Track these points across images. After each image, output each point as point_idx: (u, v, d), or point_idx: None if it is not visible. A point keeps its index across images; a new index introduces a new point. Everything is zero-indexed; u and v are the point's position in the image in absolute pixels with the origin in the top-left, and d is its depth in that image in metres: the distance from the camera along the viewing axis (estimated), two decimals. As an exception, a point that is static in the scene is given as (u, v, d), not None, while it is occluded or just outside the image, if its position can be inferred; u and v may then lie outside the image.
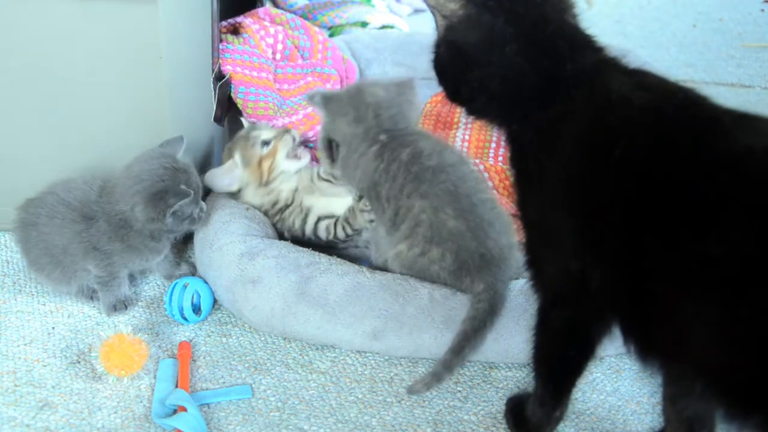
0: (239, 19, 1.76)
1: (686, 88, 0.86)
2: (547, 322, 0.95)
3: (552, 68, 0.89)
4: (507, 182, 1.51)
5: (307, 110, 1.67)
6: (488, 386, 1.17)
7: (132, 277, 1.34)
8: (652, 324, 0.80)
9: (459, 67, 0.95)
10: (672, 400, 0.99)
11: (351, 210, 1.32)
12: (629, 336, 0.86)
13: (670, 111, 0.82)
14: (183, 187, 1.21)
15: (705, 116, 0.81)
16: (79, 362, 1.19)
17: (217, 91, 1.50)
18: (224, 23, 1.71)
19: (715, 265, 0.72)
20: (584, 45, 0.93)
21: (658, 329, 0.80)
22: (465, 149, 1.62)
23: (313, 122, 1.65)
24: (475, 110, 0.99)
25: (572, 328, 0.92)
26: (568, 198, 0.86)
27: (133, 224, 1.22)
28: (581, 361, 0.95)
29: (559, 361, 0.96)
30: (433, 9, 0.95)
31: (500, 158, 1.58)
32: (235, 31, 1.72)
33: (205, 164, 1.48)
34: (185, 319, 1.26)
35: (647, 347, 0.84)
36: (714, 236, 0.73)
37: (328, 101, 1.25)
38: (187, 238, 1.42)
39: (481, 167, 1.53)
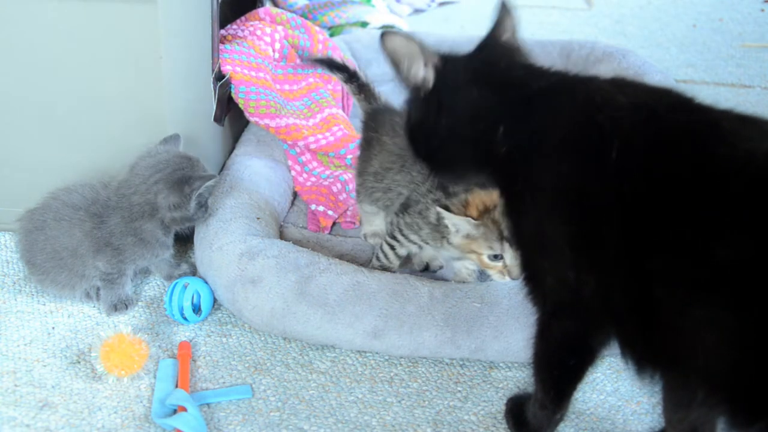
0: (234, 29, 1.76)
1: (673, 90, 0.86)
2: (547, 332, 0.94)
3: (517, 92, 0.91)
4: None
5: (324, 114, 1.68)
6: (488, 386, 1.17)
7: (134, 277, 1.33)
8: (652, 331, 0.79)
9: (436, 123, 0.96)
10: (672, 407, 0.98)
11: None
12: (626, 344, 0.85)
13: (663, 111, 0.81)
14: (215, 174, 1.26)
15: (702, 118, 0.81)
16: (79, 362, 1.19)
17: (217, 91, 1.50)
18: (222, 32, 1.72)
19: (722, 269, 0.72)
20: (542, 70, 0.94)
21: (658, 336, 0.79)
22: None
23: (329, 125, 1.66)
24: (471, 164, 0.99)
25: (572, 337, 0.92)
26: (561, 205, 0.86)
27: (154, 214, 1.24)
28: (582, 368, 0.95)
29: (560, 368, 0.96)
30: (415, 86, 0.96)
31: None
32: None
33: (204, 164, 1.48)
34: (185, 319, 1.26)
35: (645, 355, 0.83)
36: (720, 240, 0.72)
37: None
38: (187, 238, 1.42)
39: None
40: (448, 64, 0.95)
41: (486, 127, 0.92)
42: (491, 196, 1.13)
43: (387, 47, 0.94)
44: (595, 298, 0.84)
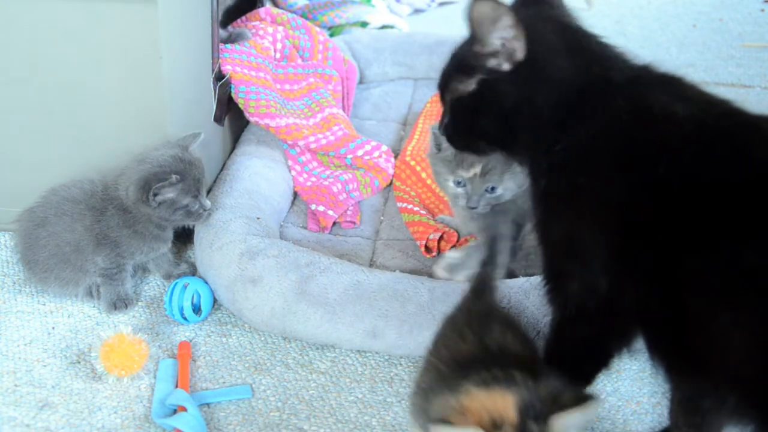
0: (235, 30, 1.76)
1: (723, 100, 0.85)
2: (565, 336, 0.93)
3: (595, 79, 0.88)
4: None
5: (324, 114, 1.68)
6: (488, 386, 1.16)
7: (134, 274, 1.33)
8: (684, 337, 0.79)
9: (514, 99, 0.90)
10: (695, 413, 0.96)
11: None
12: (657, 350, 0.84)
13: (711, 122, 0.81)
14: (174, 176, 1.21)
15: (741, 122, 0.80)
16: (79, 362, 1.19)
17: (217, 91, 1.50)
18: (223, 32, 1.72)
19: (754, 272, 0.71)
20: (622, 58, 0.91)
21: (690, 342, 0.78)
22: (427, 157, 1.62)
23: (329, 125, 1.66)
24: (506, 137, 0.95)
25: (592, 343, 0.91)
26: (604, 214, 0.84)
27: (127, 207, 1.23)
28: (595, 373, 0.95)
29: (573, 372, 0.95)
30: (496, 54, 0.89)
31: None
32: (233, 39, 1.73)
33: (204, 164, 1.48)
34: (185, 319, 1.26)
35: (676, 361, 0.83)
36: (751, 243, 0.72)
37: None
38: (187, 238, 1.42)
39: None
40: (535, 33, 0.87)
41: (557, 113, 0.88)
42: (496, 401, 0.75)
43: (473, 13, 0.86)
44: (629, 306, 0.84)
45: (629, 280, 0.83)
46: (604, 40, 0.93)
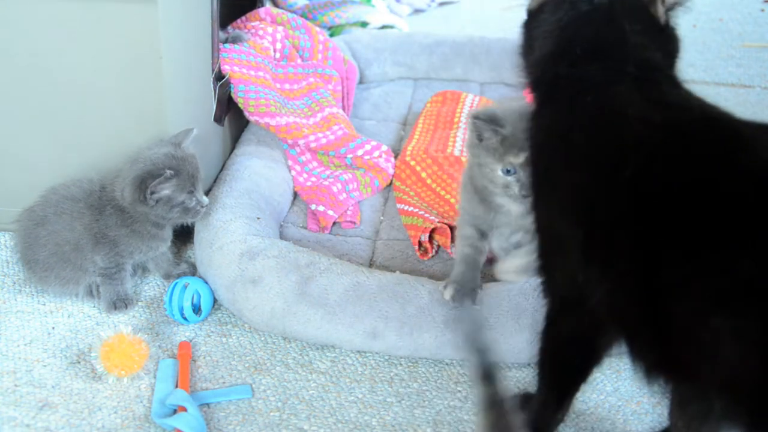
0: (233, 32, 1.77)
1: (707, 103, 0.84)
2: (554, 328, 0.93)
3: (570, 70, 0.89)
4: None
5: (324, 113, 1.68)
6: (488, 386, 1.16)
7: (133, 274, 1.33)
8: (667, 342, 0.77)
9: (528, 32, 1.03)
10: (685, 418, 0.96)
11: None
12: (636, 353, 0.84)
13: (689, 124, 0.80)
14: (168, 171, 1.20)
15: (723, 127, 0.79)
16: (79, 362, 1.19)
17: (217, 90, 1.50)
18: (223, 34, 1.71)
19: (747, 280, 0.70)
20: (619, 54, 0.90)
21: (674, 347, 0.77)
22: (465, 149, 1.62)
23: (329, 124, 1.66)
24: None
25: (579, 336, 0.91)
26: (575, 209, 0.84)
27: (124, 206, 1.24)
28: (587, 368, 0.95)
29: (564, 367, 0.95)
30: None
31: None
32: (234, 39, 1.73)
33: (204, 164, 1.48)
34: (185, 319, 1.26)
35: (658, 365, 0.82)
36: (745, 250, 0.70)
37: None
38: (187, 238, 1.42)
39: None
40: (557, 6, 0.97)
41: (531, 81, 0.98)
42: None
43: None
44: (604, 306, 0.83)
45: (600, 281, 0.82)
46: (633, 40, 0.92)
